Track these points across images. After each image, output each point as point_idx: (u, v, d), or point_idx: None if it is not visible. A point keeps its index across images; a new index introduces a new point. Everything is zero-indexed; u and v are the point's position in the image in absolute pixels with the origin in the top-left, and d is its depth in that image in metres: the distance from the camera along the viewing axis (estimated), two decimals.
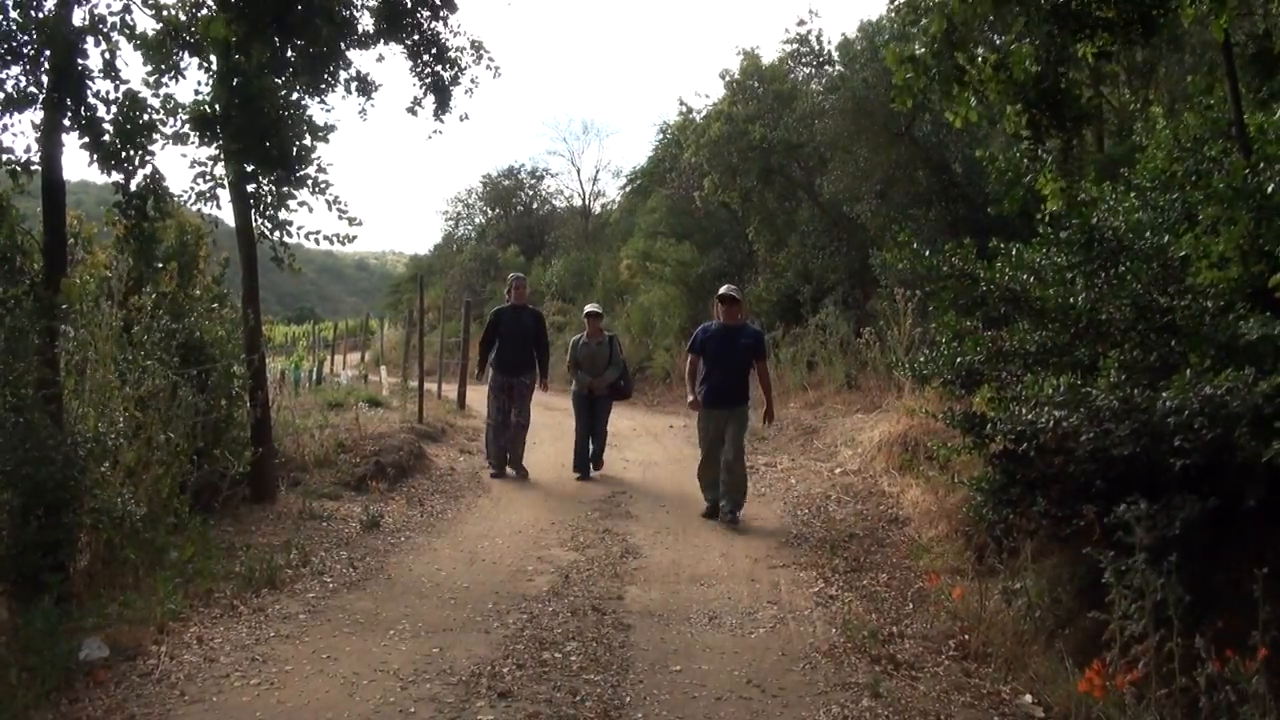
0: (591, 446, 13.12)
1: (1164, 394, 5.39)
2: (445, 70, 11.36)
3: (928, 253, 7.71)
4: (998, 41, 8.70)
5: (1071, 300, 6.73)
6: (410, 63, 11.28)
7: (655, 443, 15.54)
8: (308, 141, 9.94)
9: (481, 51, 11.62)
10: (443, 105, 11.52)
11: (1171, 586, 4.58)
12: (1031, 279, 7.19)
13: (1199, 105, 7.74)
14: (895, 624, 6.99)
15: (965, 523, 8.16)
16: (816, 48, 24.00)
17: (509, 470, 12.86)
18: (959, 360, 7.32)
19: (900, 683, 5.92)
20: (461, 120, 12.13)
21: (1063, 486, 6.13)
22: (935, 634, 6.76)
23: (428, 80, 11.36)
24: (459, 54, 11.38)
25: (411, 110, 11.54)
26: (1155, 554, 4.75)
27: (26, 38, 6.98)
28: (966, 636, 6.56)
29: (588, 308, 13.80)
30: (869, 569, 8.43)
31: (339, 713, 5.43)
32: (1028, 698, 5.59)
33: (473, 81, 11.68)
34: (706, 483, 10.67)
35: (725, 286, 11.04)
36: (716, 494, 10.50)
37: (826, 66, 24.06)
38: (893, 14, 13.95)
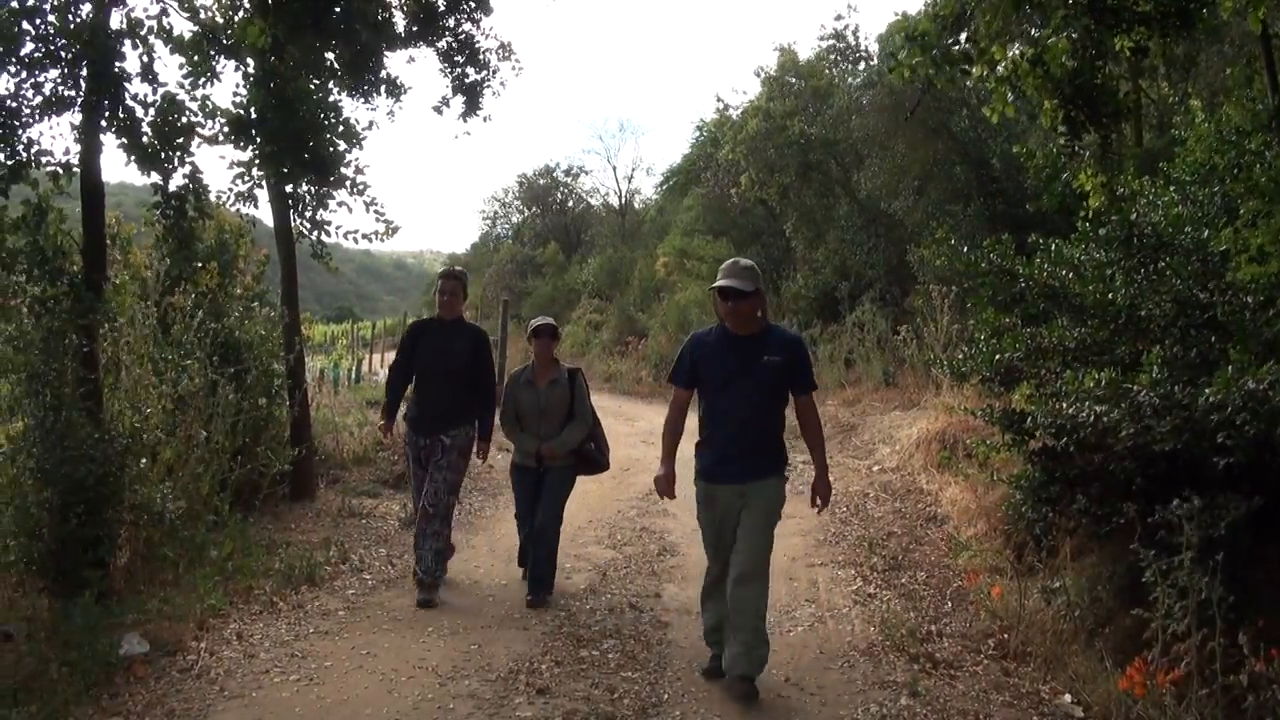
0: (532, 552, 7.72)
1: (1205, 390, 5.34)
2: (476, 72, 11.41)
3: (966, 249, 7.68)
4: (1034, 33, 8.65)
5: (1111, 296, 6.69)
6: (442, 65, 11.35)
7: (692, 438, 15.59)
8: (342, 145, 10.00)
9: (509, 52, 11.68)
10: (472, 106, 11.58)
11: (1215, 586, 4.54)
12: (1071, 275, 7.15)
13: (1241, 98, 7.66)
14: (934, 622, 6.96)
15: (1004, 521, 8.11)
16: (853, 43, 23.95)
17: (424, 593, 7.51)
18: (998, 357, 7.28)
19: (939, 682, 5.90)
20: (485, 121, 12.08)
21: (1103, 484, 6.09)
22: (974, 633, 6.73)
23: (458, 82, 11.42)
24: (488, 55, 11.44)
25: (438, 109, 11.61)
26: (1201, 553, 4.71)
27: (64, 41, 7.06)
28: (1005, 635, 6.52)
29: (535, 321, 8.18)
30: (907, 567, 8.40)
31: (378, 709, 5.46)
32: (1067, 697, 5.54)
33: (501, 83, 11.74)
34: (711, 610, 6.20)
35: (729, 263, 6.03)
36: (723, 637, 5.98)
37: (863, 62, 23.99)
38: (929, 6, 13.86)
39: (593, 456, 8.02)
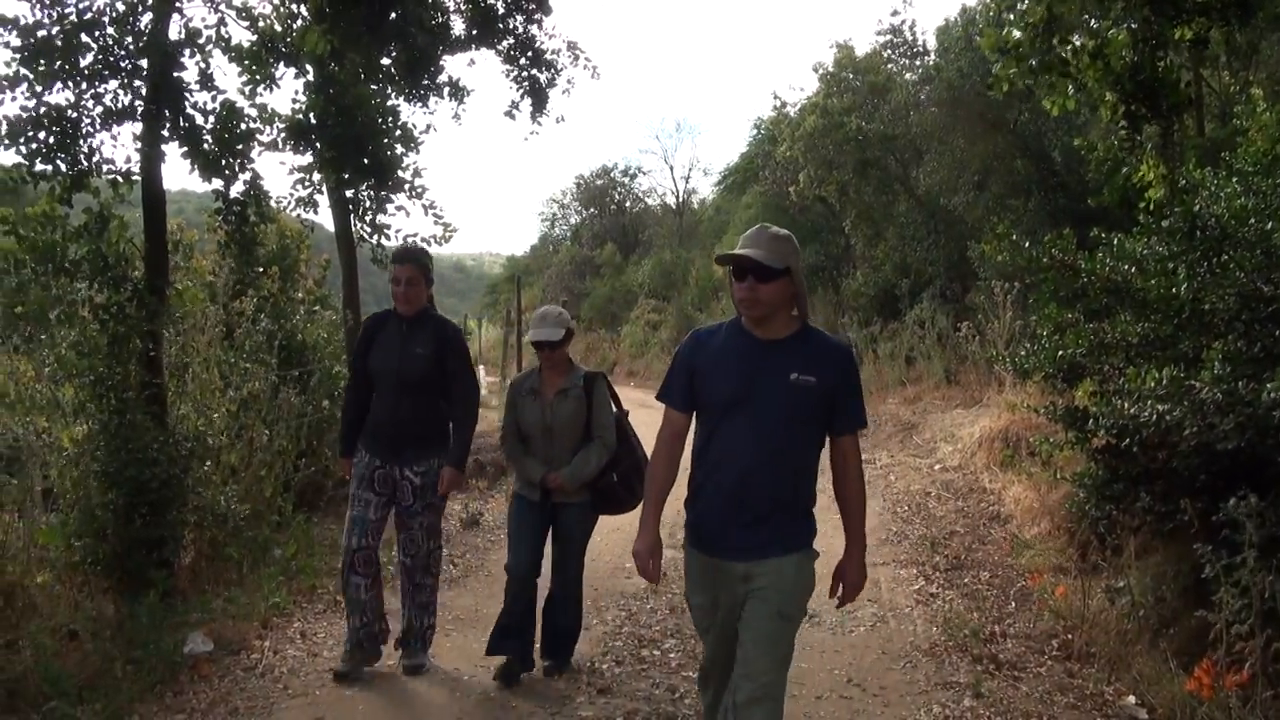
0: (548, 614, 6.18)
1: (1269, 385, 5.26)
2: (541, 73, 11.46)
3: (1027, 244, 7.59)
4: (1094, 25, 8.57)
5: (1174, 290, 6.59)
6: (506, 67, 11.41)
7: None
8: (400, 149, 10.11)
9: (578, 52, 11.71)
10: (539, 107, 11.64)
11: (1278, 584, 4.48)
12: (1133, 269, 7.05)
13: None
14: (997, 623, 6.90)
15: (1068, 519, 8.03)
16: (910, 38, 23.82)
17: (410, 658, 6.11)
18: (1060, 353, 7.19)
19: (1002, 683, 5.85)
20: (558, 122, 12.16)
21: (1166, 482, 6.01)
22: (1038, 633, 6.67)
23: (524, 84, 11.47)
24: (555, 56, 11.49)
25: (509, 114, 11.67)
26: (1263, 551, 4.63)
27: (124, 52, 7.19)
28: (1069, 636, 6.45)
29: (534, 330, 5.99)
30: (970, 567, 8.33)
31: (441, 708, 5.54)
32: (1131, 699, 5.48)
33: (569, 82, 11.78)
34: (713, 690, 4.34)
35: (754, 229, 4.01)
36: None
37: (920, 57, 23.85)
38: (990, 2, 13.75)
39: (613, 492, 6.02)
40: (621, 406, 6.23)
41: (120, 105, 7.25)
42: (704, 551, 4.07)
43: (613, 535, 9.55)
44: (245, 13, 8.59)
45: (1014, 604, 7.34)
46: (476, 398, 6.25)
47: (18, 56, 6.88)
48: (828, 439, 4.03)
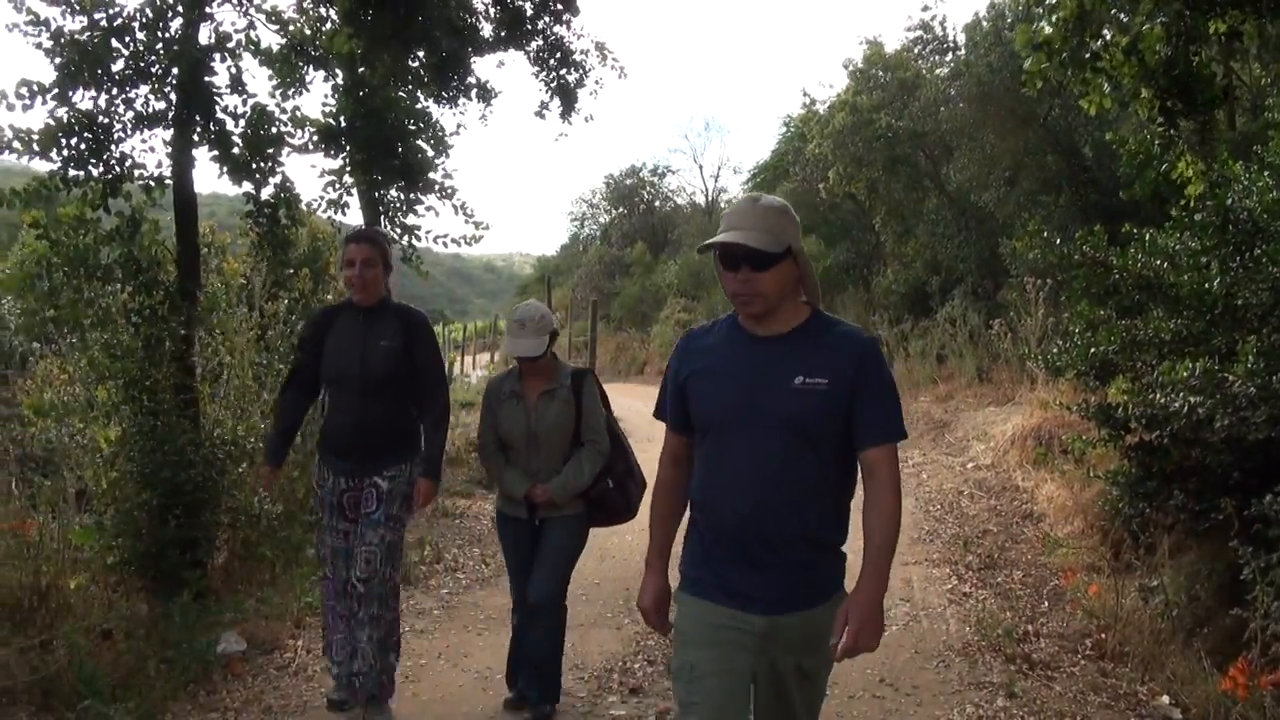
0: (528, 640, 5.48)
1: None
2: (570, 73, 11.48)
3: (1059, 240, 7.55)
4: (1125, 20, 8.52)
5: (1206, 286, 6.53)
6: (535, 68, 11.44)
7: None
8: (430, 151, 10.14)
9: (605, 53, 11.73)
10: (569, 108, 11.65)
11: None
12: (1165, 265, 7.00)
13: None
14: (1030, 622, 6.87)
15: (1101, 518, 7.99)
16: (940, 34, 23.72)
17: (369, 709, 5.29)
18: (1093, 350, 7.15)
19: (1035, 683, 5.83)
20: (587, 121, 12.16)
21: (1200, 479, 5.97)
22: (1071, 632, 6.63)
23: (553, 84, 11.49)
24: (584, 57, 11.51)
25: (539, 114, 11.69)
26: None
27: (154, 58, 7.23)
28: (1103, 635, 6.41)
29: (513, 337, 5.22)
30: (1003, 566, 8.29)
31: (473, 706, 5.56)
32: (1165, 699, 5.44)
33: (597, 83, 11.79)
34: None
35: (741, 203, 3.14)
36: None
37: (950, 53, 23.75)
38: None
39: (608, 500, 5.37)
40: (610, 410, 5.56)
41: (151, 110, 7.30)
42: (704, 598, 3.24)
43: (644, 535, 9.53)
44: (274, 16, 8.64)
45: (1047, 603, 7.30)
46: (447, 397, 5.44)
47: (59, 74, 6.93)
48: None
